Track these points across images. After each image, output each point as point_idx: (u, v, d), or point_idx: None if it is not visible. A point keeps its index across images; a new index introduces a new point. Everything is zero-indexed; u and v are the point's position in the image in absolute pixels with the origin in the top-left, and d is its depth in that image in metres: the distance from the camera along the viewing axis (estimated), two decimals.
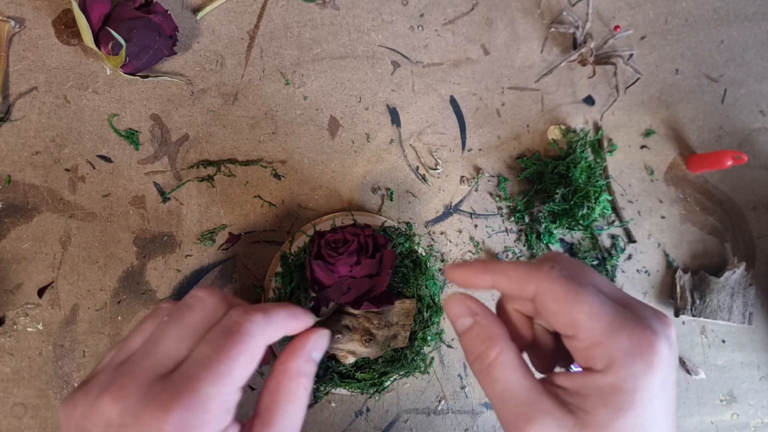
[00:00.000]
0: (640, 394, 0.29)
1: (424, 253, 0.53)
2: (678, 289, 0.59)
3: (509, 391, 0.30)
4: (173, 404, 0.29)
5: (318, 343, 0.37)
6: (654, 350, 0.29)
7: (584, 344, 0.29)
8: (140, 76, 0.50)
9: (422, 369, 0.51)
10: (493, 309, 0.35)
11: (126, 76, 0.49)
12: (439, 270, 0.55)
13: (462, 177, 0.57)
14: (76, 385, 0.47)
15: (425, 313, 0.50)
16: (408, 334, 0.48)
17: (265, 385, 0.36)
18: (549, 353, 0.35)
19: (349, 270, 0.45)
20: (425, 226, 0.56)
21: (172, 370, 0.31)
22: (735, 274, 0.59)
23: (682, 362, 0.59)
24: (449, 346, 0.54)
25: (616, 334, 0.29)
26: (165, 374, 0.31)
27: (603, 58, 0.59)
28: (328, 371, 0.49)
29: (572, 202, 0.56)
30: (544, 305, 0.30)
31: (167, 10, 0.50)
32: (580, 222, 0.56)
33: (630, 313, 0.30)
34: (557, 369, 0.36)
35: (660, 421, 0.30)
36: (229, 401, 0.32)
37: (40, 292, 0.48)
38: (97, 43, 0.47)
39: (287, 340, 0.39)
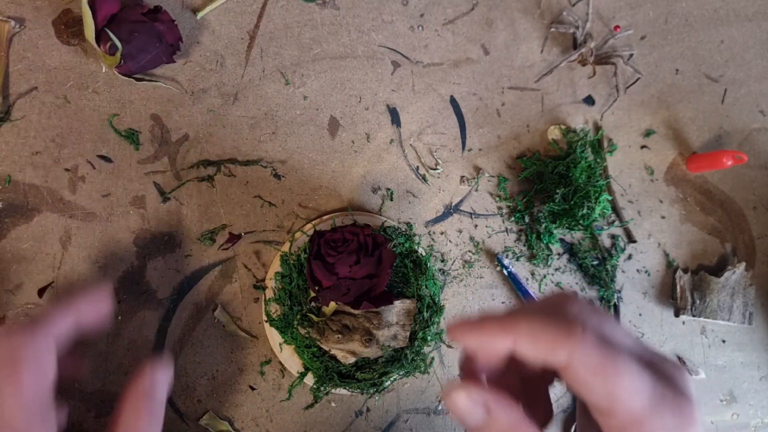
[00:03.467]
0: None
1: (424, 253, 0.53)
2: (678, 289, 0.59)
3: None
4: None
5: (157, 373, 0.36)
6: (694, 422, 0.27)
7: (623, 421, 0.26)
8: (135, 78, 0.50)
9: (422, 369, 0.51)
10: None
11: (121, 76, 0.49)
12: (440, 270, 0.55)
13: (462, 177, 0.57)
14: (76, 384, 0.47)
15: (425, 313, 0.50)
16: (408, 334, 0.48)
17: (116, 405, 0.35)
18: (542, 396, 0.32)
19: (348, 270, 0.45)
20: (425, 226, 0.56)
21: None
22: (735, 274, 0.59)
23: (683, 362, 0.59)
24: (449, 346, 0.54)
25: (659, 411, 0.26)
26: None
27: (603, 58, 0.59)
28: (328, 371, 0.49)
29: (572, 202, 0.56)
30: (576, 375, 0.26)
31: (174, 20, 0.50)
32: (580, 222, 0.56)
33: (665, 381, 0.27)
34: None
35: None
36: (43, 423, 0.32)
37: (40, 292, 0.48)
38: (98, 40, 0.47)
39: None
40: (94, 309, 0.37)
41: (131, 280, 0.49)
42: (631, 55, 0.58)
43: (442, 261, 0.55)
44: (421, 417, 0.53)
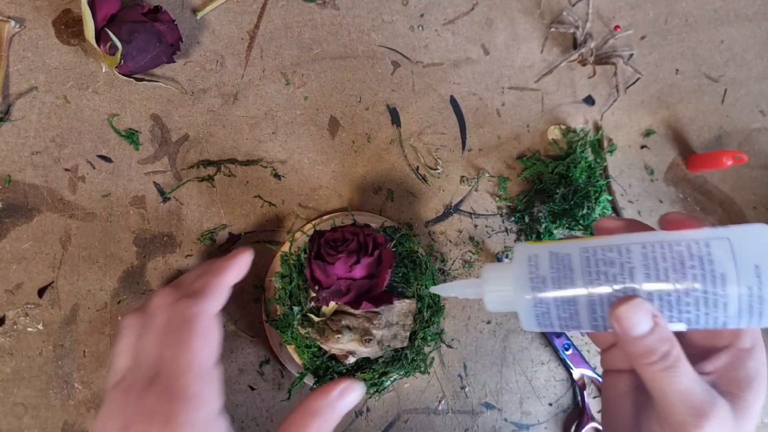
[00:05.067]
0: (766, 379, 0.33)
1: (424, 254, 0.53)
2: None
3: (693, 383, 0.31)
4: (172, 412, 0.34)
5: (345, 392, 0.38)
6: None
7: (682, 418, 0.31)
8: (135, 78, 0.50)
9: (422, 369, 0.51)
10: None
11: (121, 76, 0.49)
12: (439, 270, 0.55)
13: (462, 177, 0.57)
14: (76, 384, 0.47)
15: (425, 313, 0.50)
16: (408, 334, 0.48)
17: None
18: None
19: (348, 269, 0.45)
20: (425, 226, 0.56)
21: (156, 373, 0.36)
22: None
23: None
24: (449, 346, 0.54)
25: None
26: (155, 374, 0.36)
27: (603, 58, 0.59)
28: (328, 371, 0.49)
29: (572, 202, 0.56)
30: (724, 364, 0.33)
31: (174, 20, 0.50)
32: (580, 222, 0.56)
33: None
34: None
35: None
36: (213, 385, 0.37)
37: (40, 292, 0.48)
38: (97, 40, 0.47)
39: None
40: (241, 273, 0.43)
41: (131, 280, 0.49)
42: (631, 55, 0.59)
43: (442, 261, 0.55)
44: (421, 417, 0.53)
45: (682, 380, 0.31)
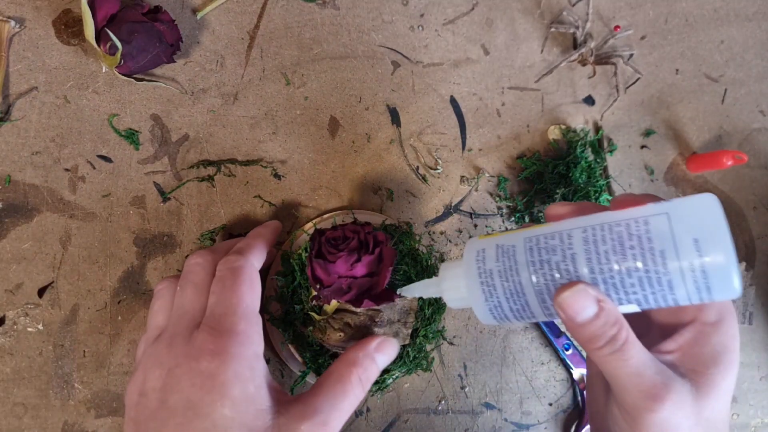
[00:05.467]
0: (737, 354, 0.32)
1: (425, 251, 0.53)
2: None
3: (643, 365, 0.30)
4: (221, 347, 0.35)
5: (382, 346, 0.41)
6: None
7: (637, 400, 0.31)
8: (135, 79, 0.50)
9: (424, 366, 0.51)
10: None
11: (121, 76, 0.49)
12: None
13: (462, 177, 0.57)
14: (76, 384, 0.47)
15: (426, 311, 0.50)
16: (410, 331, 0.48)
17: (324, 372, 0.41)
18: None
19: (349, 268, 0.45)
20: (425, 226, 0.56)
21: (200, 321, 0.38)
22: None
23: None
24: (451, 344, 0.54)
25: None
26: (198, 323, 0.38)
27: (603, 58, 0.59)
28: None
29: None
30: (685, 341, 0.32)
31: (174, 20, 0.50)
32: None
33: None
34: None
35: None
36: (257, 328, 0.39)
37: (40, 292, 0.47)
38: (98, 40, 0.47)
39: None
40: (274, 239, 0.47)
41: (131, 280, 0.49)
42: (631, 55, 0.59)
43: (442, 261, 0.55)
44: (421, 417, 0.53)
45: (631, 363, 0.30)
